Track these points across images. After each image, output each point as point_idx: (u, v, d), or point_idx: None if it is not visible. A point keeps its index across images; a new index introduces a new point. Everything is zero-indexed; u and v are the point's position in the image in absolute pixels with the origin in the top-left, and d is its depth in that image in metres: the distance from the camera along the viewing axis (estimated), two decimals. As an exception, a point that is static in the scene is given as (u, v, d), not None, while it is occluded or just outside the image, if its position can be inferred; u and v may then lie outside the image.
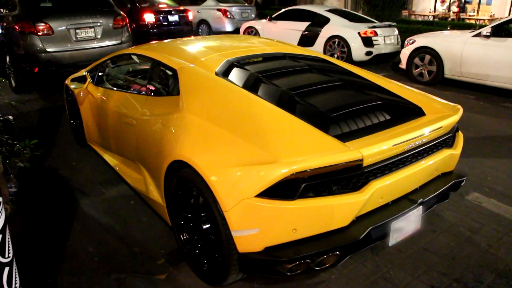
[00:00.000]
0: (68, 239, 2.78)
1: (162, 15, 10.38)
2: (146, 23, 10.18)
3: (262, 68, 2.76)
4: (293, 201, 1.83)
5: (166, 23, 10.46)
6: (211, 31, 12.68)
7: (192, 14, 11.18)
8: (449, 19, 14.72)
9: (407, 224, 2.20)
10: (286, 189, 1.83)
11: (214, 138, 2.17)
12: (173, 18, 10.56)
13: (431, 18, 14.59)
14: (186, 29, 10.86)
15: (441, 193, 2.38)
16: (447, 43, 6.64)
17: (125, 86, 3.58)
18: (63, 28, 6.28)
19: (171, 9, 10.70)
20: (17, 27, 6.11)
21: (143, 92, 3.11)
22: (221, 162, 2.02)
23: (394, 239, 2.18)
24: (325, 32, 8.82)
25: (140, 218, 3.03)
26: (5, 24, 6.58)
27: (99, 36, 6.64)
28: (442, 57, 6.69)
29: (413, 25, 11.40)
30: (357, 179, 1.96)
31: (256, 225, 1.89)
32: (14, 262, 1.60)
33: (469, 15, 15.50)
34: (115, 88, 3.53)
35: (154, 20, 10.24)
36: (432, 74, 6.92)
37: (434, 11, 16.31)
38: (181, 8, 11.07)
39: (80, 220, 3.01)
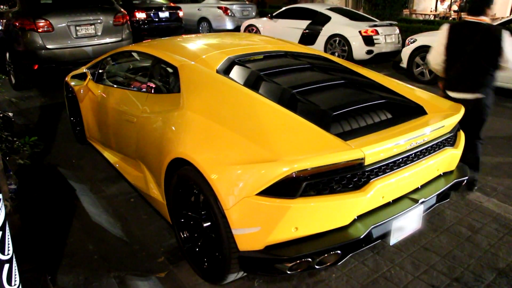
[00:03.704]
0: (67, 237, 2.77)
1: (153, 12, 10.73)
2: (137, 19, 10.40)
3: (263, 66, 2.75)
4: (294, 200, 1.82)
5: (157, 19, 10.81)
6: (212, 29, 12.66)
7: (182, 11, 11.56)
8: (450, 18, 14.69)
9: (408, 224, 2.19)
10: (287, 187, 1.82)
11: (215, 136, 2.16)
12: (164, 14, 10.91)
13: (432, 17, 14.56)
14: (176, 25, 11.22)
15: (442, 193, 2.38)
16: (448, 42, 6.61)
17: (126, 83, 3.57)
18: (63, 25, 6.26)
19: (162, 5, 11.06)
20: (17, 24, 6.09)
21: (144, 90, 3.10)
22: (222, 160, 2.01)
23: (394, 238, 2.17)
24: (326, 31, 8.80)
25: (140, 216, 3.02)
26: (5, 20, 6.55)
27: (99, 33, 6.62)
28: (443, 56, 6.66)
29: (414, 24, 11.37)
30: (359, 178, 1.96)
31: (257, 224, 1.88)
32: (13, 259, 1.59)
33: (470, 15, 15.45)
34: (115, 86, 3.52)
35: (145, 16, 10.58)
36: (433, 73, 6.90)
37: (435, 10, 16.29)
38: (172, 5, 11.42)
39: (80, 218, 3.00)
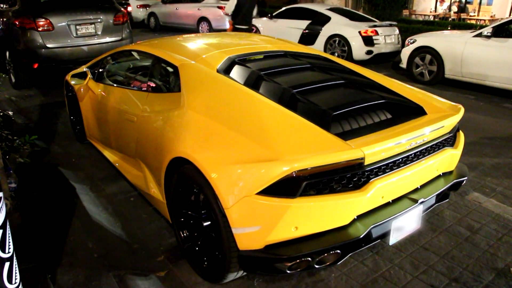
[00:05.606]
0: (67, 235, 2.78)
1: None
2: None
3: (263, 66, 2.75)
4: (294, 199, 1.82)
5: None
6: (212, 29, 12.66)
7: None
8: (450, 19, 14.71)
9: (408, 223, 2.20)
10: (287, 187, 1.83)
11: (215, 135, 2.16)
12: None
13: (431, 18, 14.58)
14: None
15: (441, 193, 2.38)
16: (448, 43, 6.64)
17: (126, 82, 3.57)
18: (64, 24, 6.26)
19: None
20: (17, 23, 6.09)
21: (144, 89, 3.10)
22: (222, 159, 2.01)
23: (394, 238, 2.18)
24: (326, 31, 8.81)
25: (140, 215, 3.03)
26: (5, 19, 6.55)
27: (99, 32, 6.63)
28: (443, 57, 6.69)
29: (414, 24, 11.39)
30: (358, 177, 1.96)
31: (257, 223, 1.89)
32: (14, 258, 1.60)
33: (470, 15, 15.49)
34: (115, 85, 3.52)
35: None
36: (433, 74, 6.92)
37: (435, 11, 16.31)
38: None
39: (80, 216, 3.01)
